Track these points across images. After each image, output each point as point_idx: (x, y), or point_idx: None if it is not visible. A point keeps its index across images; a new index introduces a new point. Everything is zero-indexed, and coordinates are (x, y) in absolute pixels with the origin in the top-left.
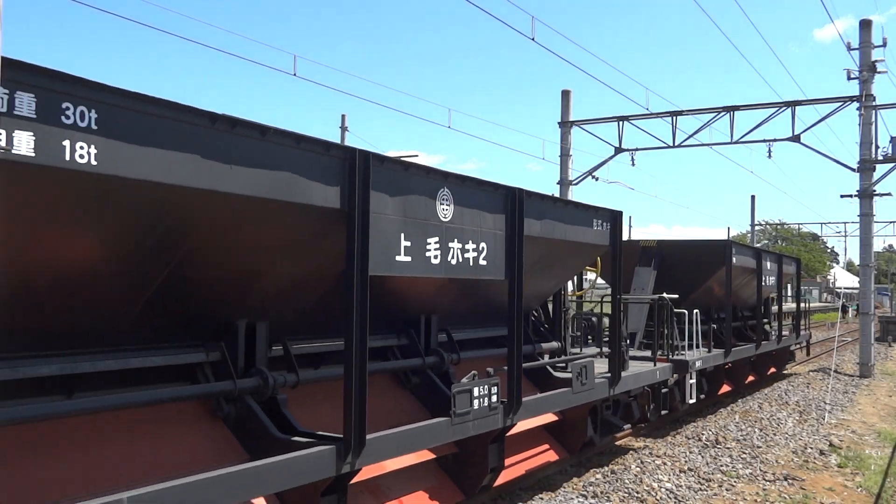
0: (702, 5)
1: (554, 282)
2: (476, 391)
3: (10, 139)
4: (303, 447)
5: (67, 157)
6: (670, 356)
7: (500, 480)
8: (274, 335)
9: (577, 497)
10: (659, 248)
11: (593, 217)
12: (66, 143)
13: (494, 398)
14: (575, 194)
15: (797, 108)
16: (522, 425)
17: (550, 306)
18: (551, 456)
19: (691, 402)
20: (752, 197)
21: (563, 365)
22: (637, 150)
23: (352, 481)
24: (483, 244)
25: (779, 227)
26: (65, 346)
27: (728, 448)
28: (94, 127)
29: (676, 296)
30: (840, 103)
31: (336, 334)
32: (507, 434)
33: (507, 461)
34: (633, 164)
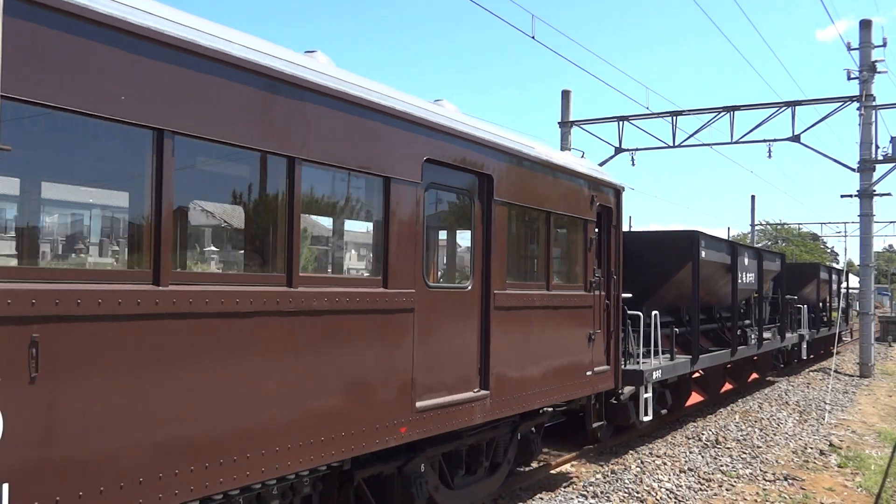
0: (702, 5)
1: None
2: (766, 334)
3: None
4: (712, 352)
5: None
6: (795, 331)
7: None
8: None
9: (577, 497)
10: None
11: (777, 257)
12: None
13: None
14: None
15: (797, 108)
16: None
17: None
18: (755, 375)
19: (804, 357)
20: (752, 197)
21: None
22: (637, 150)
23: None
24: (753, 274)
25: (779, 227)
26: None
27: (728, 448)
28: (705, 245)
29: (796, 297)
30: (840, 103)
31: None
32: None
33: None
34: (633, 164)
